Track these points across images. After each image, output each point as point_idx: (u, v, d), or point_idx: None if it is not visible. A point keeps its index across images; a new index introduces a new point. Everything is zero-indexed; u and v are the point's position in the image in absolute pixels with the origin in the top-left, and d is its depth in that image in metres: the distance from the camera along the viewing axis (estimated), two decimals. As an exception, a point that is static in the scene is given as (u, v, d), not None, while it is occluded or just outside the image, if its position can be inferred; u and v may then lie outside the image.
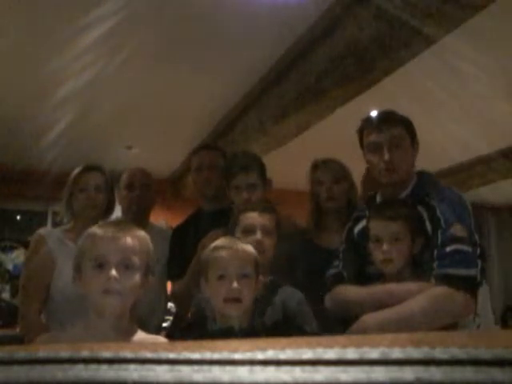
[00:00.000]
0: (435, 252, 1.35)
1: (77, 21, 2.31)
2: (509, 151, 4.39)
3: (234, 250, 1.26)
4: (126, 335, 1.13)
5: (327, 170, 1.94)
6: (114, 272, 1.09)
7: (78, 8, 2.28)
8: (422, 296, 1.32)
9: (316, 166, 1.99)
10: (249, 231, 1.47)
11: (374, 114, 1.59)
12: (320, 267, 1.66)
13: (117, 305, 1.11)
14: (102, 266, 1.11)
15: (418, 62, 2.32)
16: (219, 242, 1.31)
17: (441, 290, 1.30)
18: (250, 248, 1.29)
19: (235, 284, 1.21)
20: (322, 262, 1.67)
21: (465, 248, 1.33)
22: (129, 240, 1.14)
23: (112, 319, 1.12)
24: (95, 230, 1.18)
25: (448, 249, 1.33)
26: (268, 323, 1.34)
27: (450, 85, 2.93)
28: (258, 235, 1.46)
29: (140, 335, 1.17)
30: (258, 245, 1.42)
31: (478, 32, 2.26)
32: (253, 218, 1.49)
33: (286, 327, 1.34)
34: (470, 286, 1.31)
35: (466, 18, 1.93)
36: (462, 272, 1.30)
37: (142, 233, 1.21)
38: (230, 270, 1.23)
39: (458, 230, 1.35)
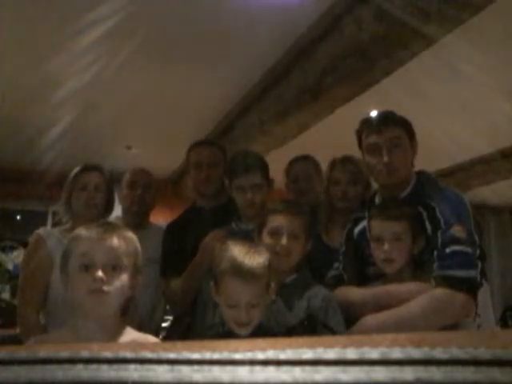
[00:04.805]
0: (435, 253, 1.35)
1: (77, 21, 2.31)
2: (509, 151, 4.39)
3: (244, 278, 1.22)
4: (113, 336, 1.12)
5: (344, 170, 1.92)
6: (100, 273, 1.08)
7: (78, 8, 2.28)
8: (423, 297, 1.31)
9: (333, 165, 1.98)
10: (275, 234, 1.45)
11: (372, 114, 1.59)
12: (325, 267, 1.65)
13: (103, 306, 1.10)
14: (88, 267, 1.10)
15: (417, 62, 2.32)
16: (230, 262, 1.25)
17: (441, 292, 1.30)
18: (259, 268, 1.25)
19: (244, 316, 1.21)
20: (328, 261, 1.67)
21: (464, 249, 1.33)
22: (115, 241, 1.14)
23: (99, 320, 1.12)
24: (81, 231, 1.18)
25: (448, 250, 1.33)
26: (292, 323, 1.35)
27: (450, 85, 2.93)
28: (284, 240, 1.43)
29: (130, 335, 1.16)
30: (283, 250, 1.43)
31: (478, 32, 2.26)
32: (280, 220, 1.46)
33: (309, 326, 1.34)
34: (470, 287, 1.31)
35: (466, 18, 1.93)
36: (462, 273, 1.30)
37: (129, 233, 1.20)
38: (240, 302, 1.22)
39: (457, 230, 1.35)
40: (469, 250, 1.33)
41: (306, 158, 2.25)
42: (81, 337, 1.10)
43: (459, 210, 1.40)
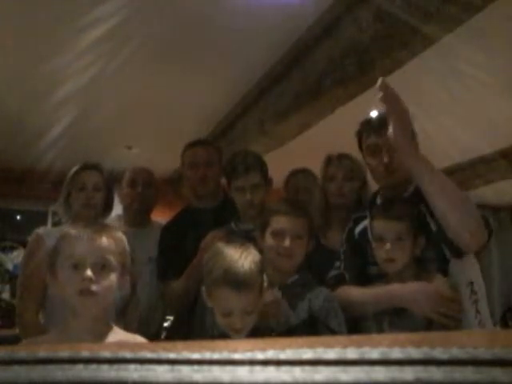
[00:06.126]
0: None
1: (77, 21, 2.31)
2: (509, 151, 4.39)
3: (237, 288, 1.19)
4: (101, 335, 1.13)
5: (340, 166, 1.89)
6: (89, 272, 1.09)
7: (78, 8, 2.28)
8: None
9: (329, 161, 1.95)
10: (278, 235, 1.45)
11: (372, 114, 1.58)
12: (323, 268, 1.65)
13: (92, 305, 1.11)
14: (77, 266, 1.10)
15: (417, 62, 2.32)
16: (223, 271, 1.21)
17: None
18: (253, 274, 1.22)
19: (239, 323, 1.20)
20: (326, 262, 1.66)
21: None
22: (104, 240, 1.14)
23: (88, 320, 1.12)
24: (70, 230, 1.18)
25: None
26: (294, 323, 1.35)
27: (450, 85, 2.93)
28: (287, 242, 1.42)
29: (117, 335, 1.16)
30: (286, 251, 1.42)
31: (478, 32, 2.26)
32: (283, 222, 1.45)
33: (310, 326, 1.34)
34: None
35: (465, 18, 1.93)
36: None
37: (118, 233, 1.21)
38: (234, 310, 1.20)
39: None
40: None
41: (304, 171, 2.24)
42: (70, 337, 1.10)
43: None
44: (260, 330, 1.24)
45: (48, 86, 3.05)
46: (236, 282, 1.19)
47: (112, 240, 1.16)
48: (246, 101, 3.46)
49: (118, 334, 1.17)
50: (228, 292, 1.20)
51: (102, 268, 1.12)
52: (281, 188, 2.26)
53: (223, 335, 1.24)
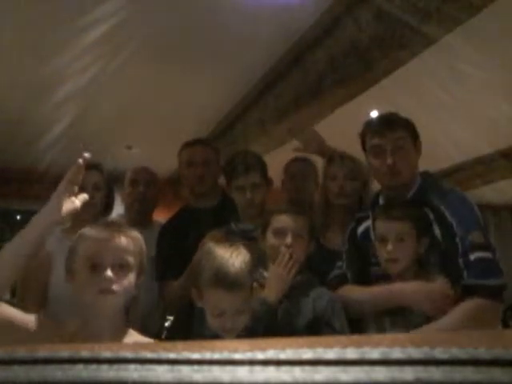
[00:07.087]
0: (460, 261, 1.32)
1: (77, 21, 2.31)
2: (509, 151, 4.40)
3: (229, 288, 1.19)
4: (120, 335, 1.13)
5: (342, 165, 1.88)
6: (109, 272, 1.09)
7: (79, 8, 2.28)
8: (458, 310, 1.27)
9: (331, 160, 1.93)
10: (280, 234, 1.46)
11: (373, 115, 1.58)
12: (323, 268, 1.64)
13: (112, 305, 1.11)
14: (96, 266, 1.10)
15: (418, 62, 2.32)
16: (213, 272, 1.21)
17: (476, 302, 1.26)
18: (243, 274, 1.22)
19: (230, 323, 1.20)
20: (328, 264, 1.65)
21: (487, 255, 1.31)
22: (123, 240, 1.14)
23: (107, 319, 1.12)
24: (88, 230, 1.18)
25: (472, 257, 1.30)
26: (299, 324, 1.35)
27: (450, 85, 2.93)
28: (289, 239, 1.44)
29: (133, 337, 1.17)
30: (287, 249, 1.43)
31: (477, 32, 2.26)
32: (284, 220, 1.47)
33: (314, 327, 1.34)
34: (499, 294, 1.29)
35: (465, 18, 1.93)
36: (492, 282, 1.28)
37: (135, 233, 1.21)
38: (226, 310, 1.20)
39: (476, 236, 1.33)
40: (490, 255, 1.32)
41: (304, 160, 2.26)
42: (93, 334, 1.10)
43: (471, 214, 1.39)
44: (268, 331, 1.24)
45: (48, 85, 3.05)
46: (227, 281, 1.19)
47: (130, 240, 1.16)
48: (246, 101, 3.46)
49: (134, 336, 1.17)
50: (219, 292, 1.20)
51: (120, 267, 1.12)
52: (280, 188, 2.27)
53: (215, 336, 1.24)
